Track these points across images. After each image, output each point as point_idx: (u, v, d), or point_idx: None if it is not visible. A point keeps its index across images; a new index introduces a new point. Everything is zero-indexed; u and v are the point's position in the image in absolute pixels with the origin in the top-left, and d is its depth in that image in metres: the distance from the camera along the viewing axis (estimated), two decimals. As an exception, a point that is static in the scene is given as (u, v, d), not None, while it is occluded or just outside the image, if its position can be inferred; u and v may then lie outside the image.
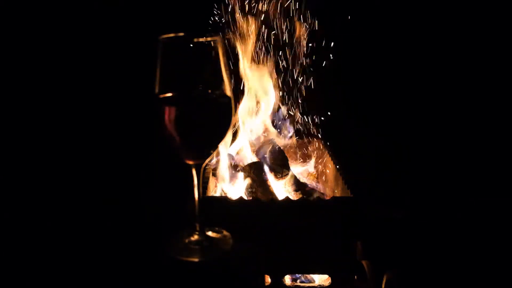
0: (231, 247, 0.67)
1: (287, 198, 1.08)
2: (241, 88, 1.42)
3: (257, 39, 1.43)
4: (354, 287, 1.04)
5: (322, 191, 1.45)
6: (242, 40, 1.42)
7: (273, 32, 1.46)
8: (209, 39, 0.62)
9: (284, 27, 1.47)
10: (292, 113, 1.50)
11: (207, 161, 0.69)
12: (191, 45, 0.62)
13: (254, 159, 1.39)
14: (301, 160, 1.56)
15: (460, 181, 1.68)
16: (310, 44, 1.50)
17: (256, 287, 0.70)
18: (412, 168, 1.79)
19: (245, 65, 1.40)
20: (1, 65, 1.93)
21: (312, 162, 1.55)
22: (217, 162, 1.38)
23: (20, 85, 1.97)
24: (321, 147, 1.53)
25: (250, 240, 0.72)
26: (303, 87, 1.52)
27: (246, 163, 1.37)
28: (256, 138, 1.45)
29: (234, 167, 1.36)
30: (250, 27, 1.42)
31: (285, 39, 1.48)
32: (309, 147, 1.58)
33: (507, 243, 1.30)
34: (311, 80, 1.53)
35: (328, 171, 1.44)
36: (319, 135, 1.55)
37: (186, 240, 0.68)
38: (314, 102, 1.56)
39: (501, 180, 1.67)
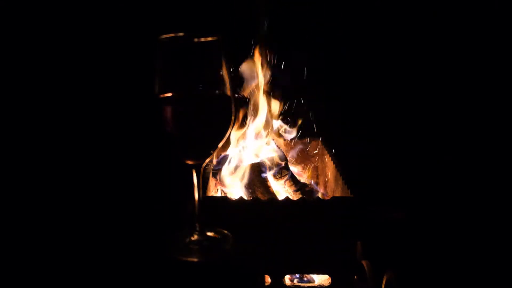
0: (231, 247, 0.67)
1: (287, 198, 1.08)
2: (240, 90, 1.42)
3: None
4: (354, 287, 1.04)
5: (322, 191, 1.45)
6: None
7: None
8: (209, 39, 0.62)
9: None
10: (292, 113, 1.50)
11: (207, 161, 0.69)
12: (191, 45, 0.62)
13: (254, 159, 1.39)
14: (301, 160, 1.56)
15: (460, 182, 1.68)
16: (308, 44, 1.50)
17: (256, 287, 0.70)
18: (412, 168, 1.79)
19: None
20: (0, 66, 1.93)
21: (312, 162, 1.55)
22: (217, 162, 1.38)
23: (21, 86, 1.97)
24: (321, 147, 1.53)
25: (250, 240, 0.72)
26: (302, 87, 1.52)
27: (246, 163, 1.37)
28: (256, 138, 1.44)
29: (234, 167, 1.36)
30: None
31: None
32: (309, 147, 1.58)
33: (507, 243, 1.30)
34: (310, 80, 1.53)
35: (328, 171, 1.44)
36: (319, 135, 1.55)
37: (186, 240, 0.68)
38: (314, 102, 1.56)
39: (501, 180, 1.67)
